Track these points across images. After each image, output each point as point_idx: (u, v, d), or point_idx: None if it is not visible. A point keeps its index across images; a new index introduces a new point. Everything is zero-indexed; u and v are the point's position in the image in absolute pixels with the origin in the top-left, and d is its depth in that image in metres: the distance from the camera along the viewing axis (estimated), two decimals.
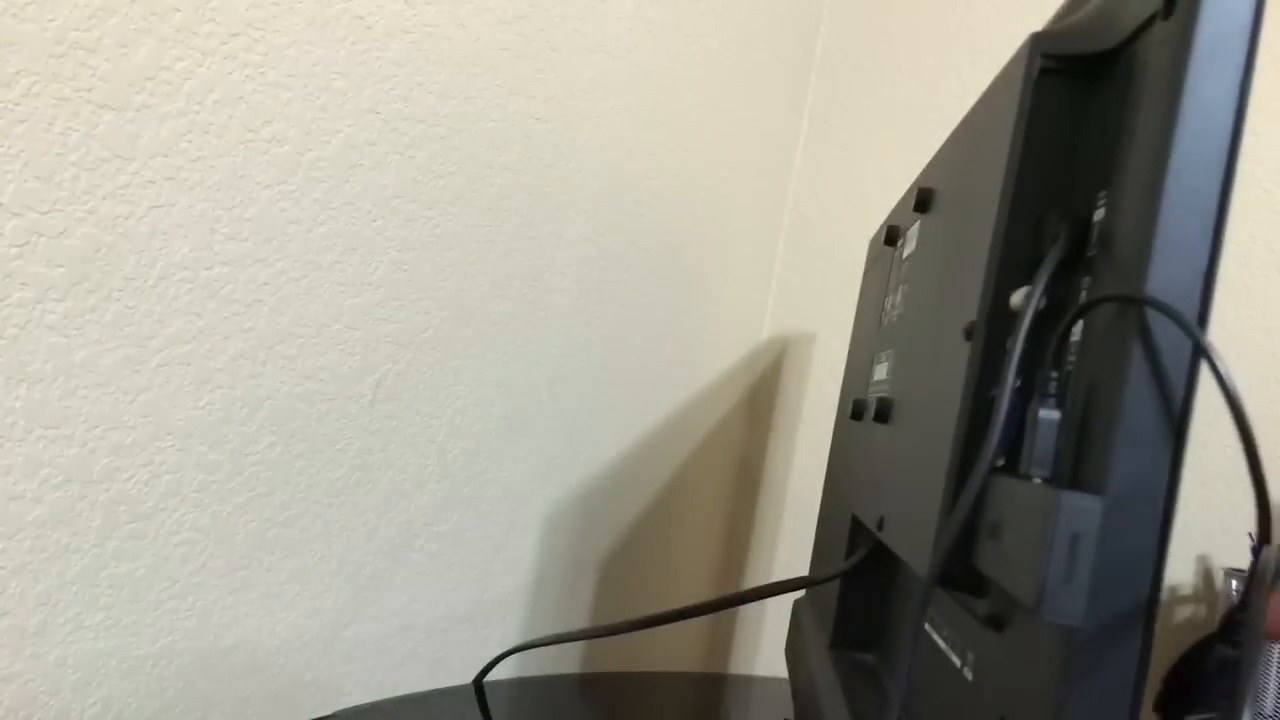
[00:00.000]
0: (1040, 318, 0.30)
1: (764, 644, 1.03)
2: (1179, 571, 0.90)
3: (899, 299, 0.50)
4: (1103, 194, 0.29)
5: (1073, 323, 0.29)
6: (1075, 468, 0.26)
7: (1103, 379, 0.26)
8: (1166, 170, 0.26)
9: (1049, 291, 0.30)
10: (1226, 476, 0.89)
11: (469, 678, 0.61)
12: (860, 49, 1.06)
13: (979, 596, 0.32)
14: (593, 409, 0.80)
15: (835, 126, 1.07)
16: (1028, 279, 0.31)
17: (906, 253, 0.50)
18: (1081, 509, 0.24)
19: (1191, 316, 0.25)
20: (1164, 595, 0.92)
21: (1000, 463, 0.29)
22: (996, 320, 0.32)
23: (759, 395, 1.07)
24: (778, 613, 1.03)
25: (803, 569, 1.01)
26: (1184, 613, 0.90)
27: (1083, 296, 0.28)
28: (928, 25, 1.01)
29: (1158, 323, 0.25)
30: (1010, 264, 0.32)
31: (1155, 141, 0.25)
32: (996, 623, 0.31)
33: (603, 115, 0.76)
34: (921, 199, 0.46)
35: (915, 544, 0.36)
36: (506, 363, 0.71)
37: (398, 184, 0.60)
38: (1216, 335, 0.89)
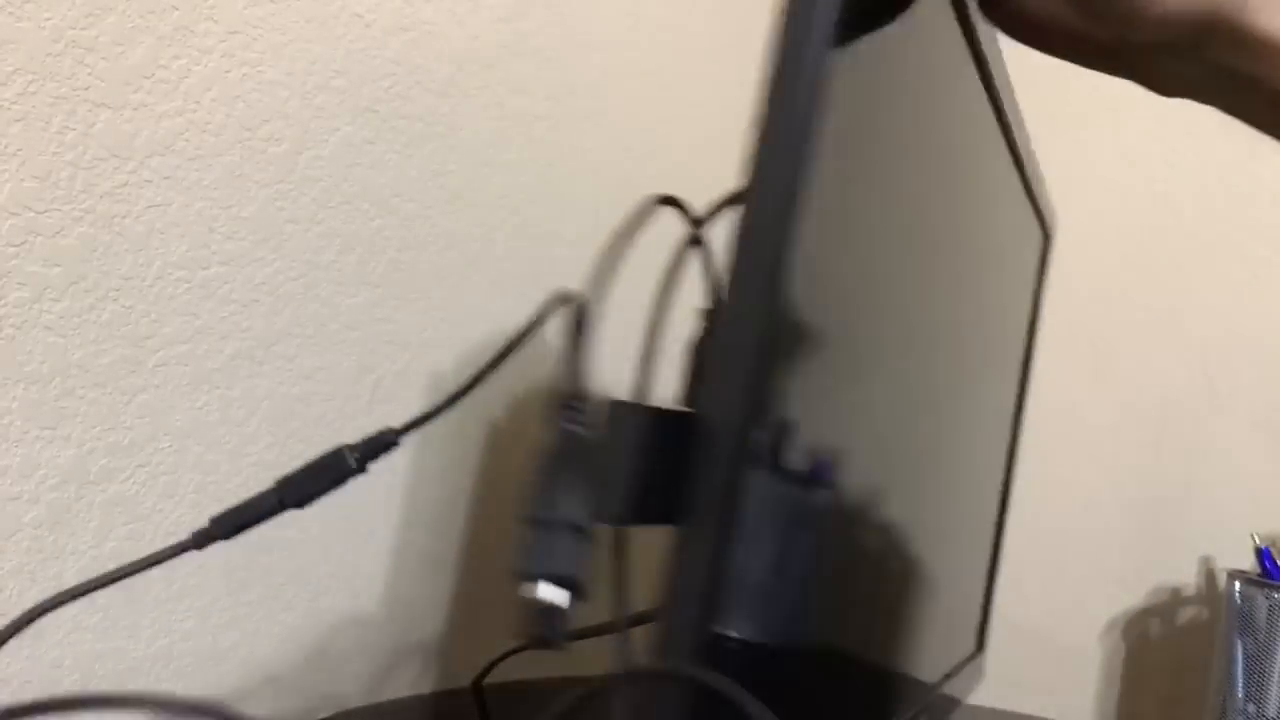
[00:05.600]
0: None
1: None
2: (1182, 573, 0.90)
3: None
4: None
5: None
6: None
7: None
8: None
9: None
10: (1229, 479, 0.89)
11: (468, 680, 0.60)
12: None
13: None
14: None
15: None
16: None
17: None
18: None
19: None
20: (1168, 597, 0.91)
21: None
22: None
23: None
24: None
25: None
26: (1187, 614, 0.90)
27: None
28: None
29: None
30: None
31: None
32: None
33: (603, 114, 0.75)
34: None
35: None
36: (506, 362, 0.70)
37: (396, 183, 0.60)
38: (1219, 336, 0.88)
